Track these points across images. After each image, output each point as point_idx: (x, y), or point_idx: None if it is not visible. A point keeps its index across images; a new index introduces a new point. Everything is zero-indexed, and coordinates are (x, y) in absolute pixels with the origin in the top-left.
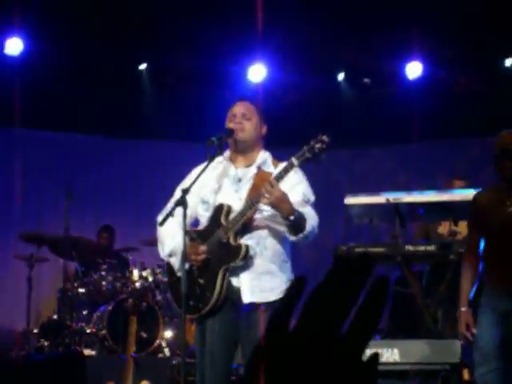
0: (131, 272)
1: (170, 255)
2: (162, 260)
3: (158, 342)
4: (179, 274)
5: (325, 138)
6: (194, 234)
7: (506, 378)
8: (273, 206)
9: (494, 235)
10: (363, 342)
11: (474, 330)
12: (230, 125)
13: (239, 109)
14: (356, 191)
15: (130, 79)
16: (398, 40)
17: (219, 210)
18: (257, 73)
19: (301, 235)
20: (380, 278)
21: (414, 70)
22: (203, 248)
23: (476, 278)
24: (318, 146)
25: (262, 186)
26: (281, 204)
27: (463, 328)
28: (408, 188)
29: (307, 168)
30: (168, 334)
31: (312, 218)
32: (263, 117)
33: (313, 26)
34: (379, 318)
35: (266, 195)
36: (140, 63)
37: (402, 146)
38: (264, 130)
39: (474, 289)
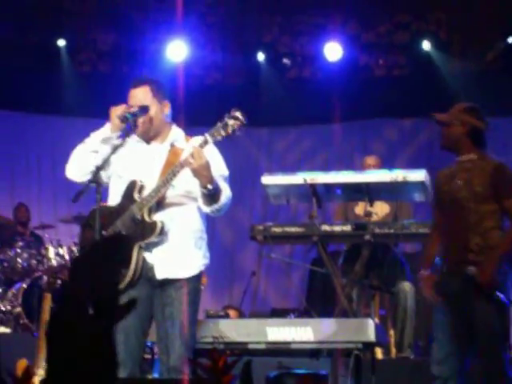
0: (47, 249)
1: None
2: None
3: None
4: None
5: (238, 114)
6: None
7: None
8: (195, 172)
9: (445, 210)
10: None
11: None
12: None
13: (135, 101)
14: (275, 170)
15: (49, 55)
16: (319, 22)
17: (132, 187)
18: (177, 51)
19: (215, 206)
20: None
21: (333, 52)
22: None
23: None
24: (231, 122)
25: (175, 163)
26: (203, 171)
27: (427, 291)
28: (326, 168)
29: (226, 146)
30: None
31: (226, 192)
32: (162, 93)
33: (232, 5)
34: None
35: (191, 160)
36: (58, 39)
37: (321, 127)
38: (166, 108)
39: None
